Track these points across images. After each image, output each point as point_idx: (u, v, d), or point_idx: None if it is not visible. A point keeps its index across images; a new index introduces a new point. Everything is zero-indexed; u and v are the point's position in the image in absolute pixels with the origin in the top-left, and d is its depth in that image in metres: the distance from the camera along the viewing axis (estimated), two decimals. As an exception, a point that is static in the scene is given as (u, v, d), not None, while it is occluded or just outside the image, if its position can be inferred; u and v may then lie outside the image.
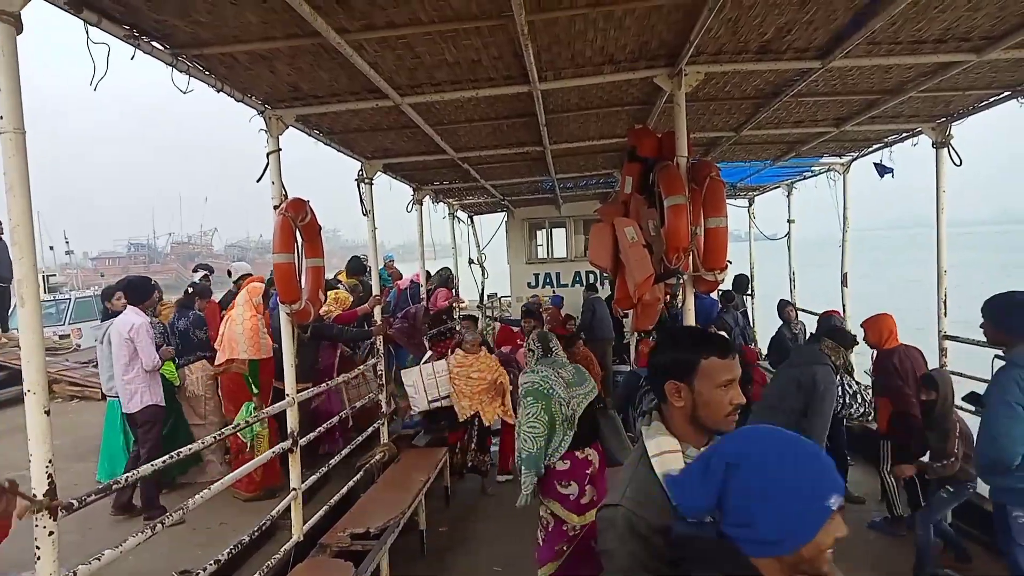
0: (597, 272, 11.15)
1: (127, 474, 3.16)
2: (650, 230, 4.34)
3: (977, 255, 56.95)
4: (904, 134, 6.63)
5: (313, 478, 4.92)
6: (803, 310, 8.83)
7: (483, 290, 13.33)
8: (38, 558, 2.28)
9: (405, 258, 12.57)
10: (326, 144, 5.62)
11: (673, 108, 4.23)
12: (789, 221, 10.36)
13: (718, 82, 4.74)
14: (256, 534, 4.13)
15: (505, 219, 12.94)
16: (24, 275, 2.28)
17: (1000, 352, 3.68)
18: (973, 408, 4.15)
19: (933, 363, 5.50)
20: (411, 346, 7.74)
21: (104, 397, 6.63)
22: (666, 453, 1.69)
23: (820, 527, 1.20)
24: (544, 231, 13.28)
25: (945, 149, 5.83)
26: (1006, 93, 5.11)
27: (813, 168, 8.86)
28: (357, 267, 8.71)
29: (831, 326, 6.14)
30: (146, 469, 3.20)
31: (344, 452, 5.62)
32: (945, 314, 5.96)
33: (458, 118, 5.31)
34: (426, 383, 6.44)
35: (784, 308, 8.30)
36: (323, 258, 4.97)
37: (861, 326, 5.49)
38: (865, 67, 4.42)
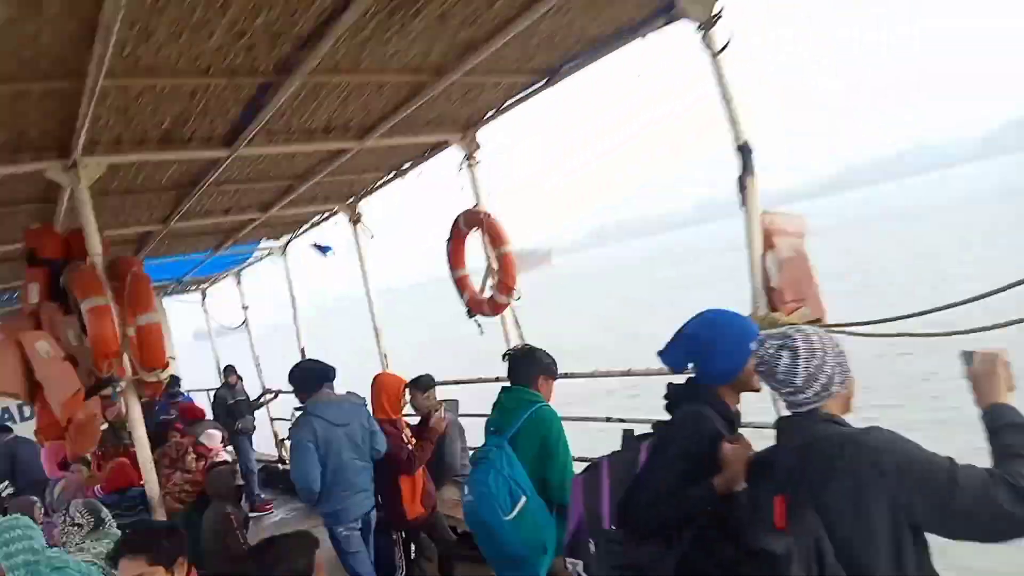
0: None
1: None
2: (71, 340, 3.78)
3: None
4: (326, 214, 7.30)
5: None
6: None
7: None
8: None
9: None
10: None
11: (77, 204, 3.80)
12: (244, 308, 10.41)
13: (127, 174, 4.47)
14: None
15: None
16: None
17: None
18: None
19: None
20: None
21: None
22: None
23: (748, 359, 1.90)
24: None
25: (359, 225, 6.69)
26: (391, 175, 6.12)
27: (256, 253, 9.11)
28: None
29: None
30: None
31: None
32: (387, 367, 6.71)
33: None
34: None
35: (229, 374, 8.66)
36: None
37: None
38: (271, 155, 4.73)
